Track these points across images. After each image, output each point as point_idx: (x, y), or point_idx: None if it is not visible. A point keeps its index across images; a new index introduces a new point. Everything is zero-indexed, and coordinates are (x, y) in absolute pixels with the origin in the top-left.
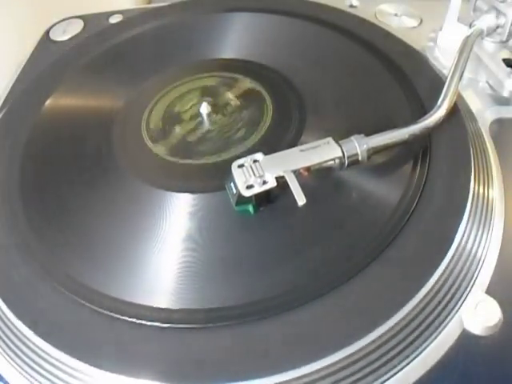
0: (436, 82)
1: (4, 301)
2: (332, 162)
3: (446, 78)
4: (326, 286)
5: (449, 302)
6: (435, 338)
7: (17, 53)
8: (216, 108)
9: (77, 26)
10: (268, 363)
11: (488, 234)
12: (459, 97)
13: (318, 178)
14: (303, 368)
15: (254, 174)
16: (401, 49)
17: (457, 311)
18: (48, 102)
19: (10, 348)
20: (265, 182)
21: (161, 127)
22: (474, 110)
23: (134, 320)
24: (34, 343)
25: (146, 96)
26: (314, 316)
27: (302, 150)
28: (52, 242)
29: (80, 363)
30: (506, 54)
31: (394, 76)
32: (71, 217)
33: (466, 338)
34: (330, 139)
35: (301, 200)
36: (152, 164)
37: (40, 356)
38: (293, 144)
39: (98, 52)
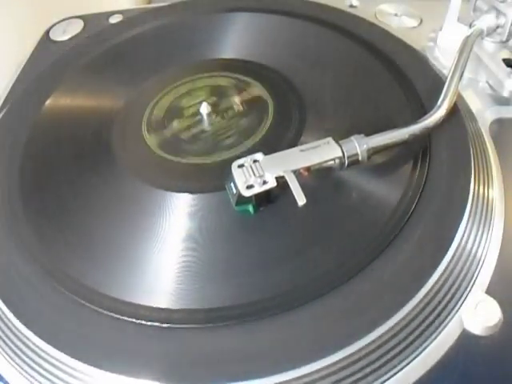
0: (436, 82)
1: (4, 301)
2: (332, 162)
3: (446, 77)
4: (325, 285)
5: (449, 302)
6: (435, 338)
7: (17, 53)
8: (217, 109)
9: (77, 26)
10: (268, 363)
11: (488, 233)
12: (459, 97)
13: (317, 178)
14: (303, 368)
15: (254, 174)
16: (401, 49)
17: (457, 311)
18: (48, 102)
19: (10, 348)
20: (265, 182)
21: (160, 120)
22: (474, 110)
23: (133, 320)
24: (33, 343)
25: (147, 96)
26: (314, 316)
27: (302, 150)
28: (52, 241)
29: (80, 363)
30: (506, 54)
31: (394, 76)
32: (71, 217)
33: (466, 337)
34: (329, 139)
35: (301, 200)
36: (152, 164)
37: (40, 356)
38: (293, 144)
39: (97, 52)
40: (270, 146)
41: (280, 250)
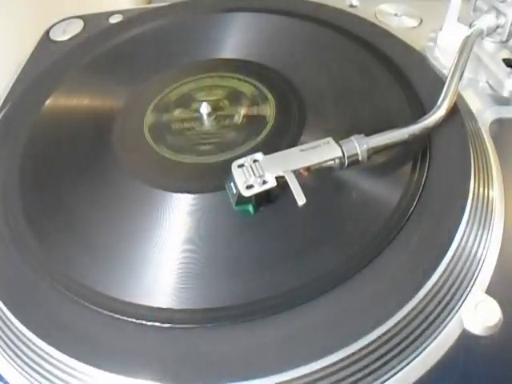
0: (436, 82)
1: (4, 301)
2: (332, 162)
3: (446, 77)
4: (325, 285)
5: (449, 302)
6: (435, 338)
7: (17, 53)
8: (218, 111)
9: (77, 26)
10: (268, 363)
11: (488, 234)
12: (459, 97)
13: (317, 178)
14: (303, 368)
15: (254, 174)
16: (401, 49)
17: (457, 311)
18: (48, 102)
19: (9, 348)
20: (265, 182)
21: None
22: (474, 110)
23: (133, 320)
24: (33, 343)
25: (147, 95)
26: (314, 316)
27: (302, 150)
28: (52, 241)
29: (80, 363)
30: (506, 54)
31: (394, 76)
32: (71, 217)
33: (466, 338)
34: (329, 139)
35: (301, 200)
36: (152, 164)
37: (40, 356)
38: (293, 144)
39: (98, 52)
40: (269, 146)
41: (280, 250)
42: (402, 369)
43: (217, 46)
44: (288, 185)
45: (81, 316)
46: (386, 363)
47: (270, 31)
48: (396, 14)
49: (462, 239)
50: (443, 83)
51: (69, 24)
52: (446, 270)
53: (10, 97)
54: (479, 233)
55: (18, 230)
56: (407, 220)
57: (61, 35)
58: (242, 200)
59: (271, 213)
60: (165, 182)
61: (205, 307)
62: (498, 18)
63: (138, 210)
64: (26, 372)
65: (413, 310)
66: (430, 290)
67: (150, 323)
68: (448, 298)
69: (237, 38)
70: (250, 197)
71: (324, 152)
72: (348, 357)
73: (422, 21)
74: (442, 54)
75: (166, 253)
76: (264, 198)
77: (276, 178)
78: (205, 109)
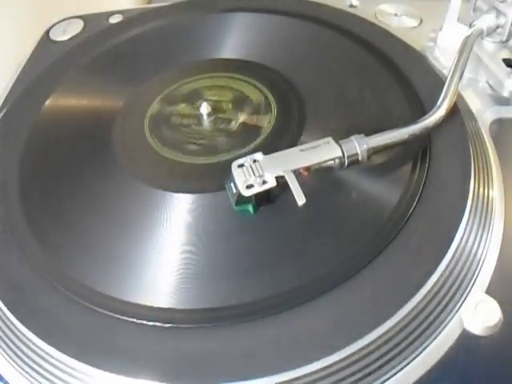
0: (436, 82)
1: (3, 301)
2: (332, 162)
3: (446, 77)
4: (325, 285)
5: (449, 302)
6: (435, 338)
7: (17, 53)
8: (219, 113)
9: (77, 26)
10: (268, 363)
11: (488, 234)
12: (459, 97)
13: (317, 178)
14: (303, 368)
15: (254, 174)
16: (401, 49)
17: (457, 311)
18: (48, 102)
19: (9, 348)
20: (265, 182)
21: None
22: (474, 110)
23: (134, 320)
24: (33, 343)
25: (147, 95)
26: (314, 316)
27: (301, 150)
28: (52, 241)
29: (80, 363)
30: (506, 54)
31: (394, 76)
32: (71, 217)
33: (466, 337)
34: (329, 139)
35: (301, 200)
36: (152, 164)
37: (40, 356)
38: (293, 144)
39: (98, 52)
40: (269, 146)
41: (280, 250)
42: (402, 369)
43: (217, 46)
44: (288, 185)
45: (81, 316)
46: (386, 363)
47: (270, 31)
48: (396, 14)
49: (461, 239)
50: (443, 83)
51: (69, 24)
52: (445, 269)
53: (10, 97)
54: (479, 233)
55: (18, 230)
56: (407, 220)
57: (61, 35)
58: (241, 200)
59: (271, 213)
60: (165, 182)
61: (205, 307)
62: (498, 18)
63: (138, 209)
64: (26, 372)
65: (413, 310)
66: (429, 290)
67: (150, 323)
68: (448, 297)
69: (237, 38)
70: (250, 197)
71: (324, 152)
72: (348, 357)
73: (421, 21)
74: (442, 54)
75: (166, 253)
76: (264, 198)
77: (276, 177)
78: (205, 109)
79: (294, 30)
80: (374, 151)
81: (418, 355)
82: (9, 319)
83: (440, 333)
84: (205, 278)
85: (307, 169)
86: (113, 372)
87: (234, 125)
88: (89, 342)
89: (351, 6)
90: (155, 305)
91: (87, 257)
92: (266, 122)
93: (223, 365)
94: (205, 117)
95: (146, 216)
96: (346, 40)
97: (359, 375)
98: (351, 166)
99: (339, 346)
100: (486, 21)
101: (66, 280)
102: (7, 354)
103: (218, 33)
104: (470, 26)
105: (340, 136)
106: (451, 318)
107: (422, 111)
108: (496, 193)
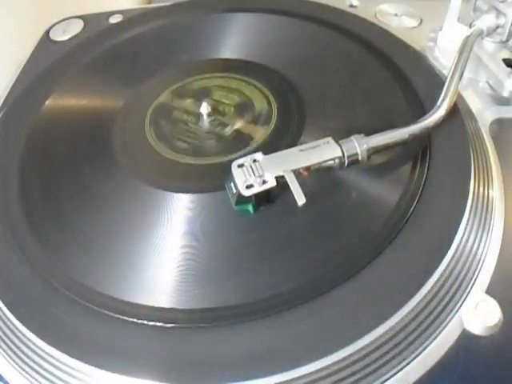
0: (436, 82)
1: (3, 301)
2: (332, 162)
3: (446, 77)
4: (325, 285)
5: (449, 302)
6: (435, 338)
7: (17, 53)
8: (219, 115)
9: (77, 26)
10: (268, 363)
11: (488, 234)
12: (459, 97)
13: (318, 178)
14: (303, 368)
15: (254, 174)
16: (401, 49)
17: (457, 311)
18: (48, 102)
19: (9, 348)
20: (264, 182)
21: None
22: (474, 110)
23: (134, 320)
24: (33, 343)
25: (147, 95)
26: (314, 316)
27: (301, 150)
28: (51, 241)
29: (80, 363)
30: (506, 54)
31: (394, 76)
32: (71, 217)
33: (466, 338)
34: (329, 139)
35: (300, 200)
36: (152, 164)
37: (40, 356)
38: (293, 144)
39: (98, 52)
40: (269, 146)
41: (280, 250)
42: (402, 369)
43: (217, 47)
44: (288, 185)
45: (81, 316)
46: (386, 363)
47: (270, 31)
48: (396, 14)
49: (461, 239)
50: (443, 83)
51: (69, 24)
52: (445, 269)
53: (10, 97)
54: (479, 233)
55: (18, 230)
56: (407, 220)
57: (61, 35)
58: (241, 200)
59: (271, 213)
60: (165, 182)
61: (205, 307)
62: (498, 18)
63: (138, 209)
64: (26, 372)
65: (413, 310)
66: (429, 290)
67: (150, 323)
68: (448, 297)
69: (237, 38)
70: (250, 196)
71: (324, 152)
72: (348, 357)
73: (421, 21)
74: (442, 54)
75: (166, 253)
76: (264, 198)
77: (276, 177)
78: (204, 108)
79: (294, 30)
80: (374, 151)
81: (417, 355)
82: (9, 319)
83: (440, 333)
84: (205, 278)
85: (307, 169)
86: (113, 372)
87: (228, 130)
88: (89, 341)
89: (351, 5)
90: (155, 305)
91: (87, 257)
92: (261, 133)
93: (223, 365)
94: (204, 116)
95: (146, 216)
96: (346, 40)
97: (359, 375)
98: (351, 166)
99: (339, 345)
100: (486, 21)
101: (65, 280)
102: (7, 354)
103: (219, 33)
104: (470, 25)
105: (340, 136)
106: (451, 318)
107: (421, 111)
108: (496, 193)
